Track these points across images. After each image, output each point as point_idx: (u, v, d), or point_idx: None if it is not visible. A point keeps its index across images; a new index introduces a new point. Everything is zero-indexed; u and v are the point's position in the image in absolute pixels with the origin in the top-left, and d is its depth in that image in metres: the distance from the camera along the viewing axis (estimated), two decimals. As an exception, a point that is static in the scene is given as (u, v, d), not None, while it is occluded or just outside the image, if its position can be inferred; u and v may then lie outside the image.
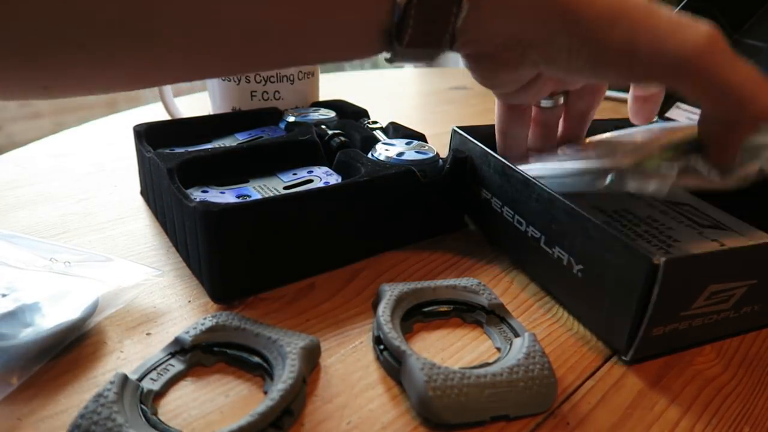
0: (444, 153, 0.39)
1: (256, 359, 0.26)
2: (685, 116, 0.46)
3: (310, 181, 0.38)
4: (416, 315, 0.30)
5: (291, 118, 0.46)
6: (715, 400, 0.26)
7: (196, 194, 0.35)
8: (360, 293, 0.33)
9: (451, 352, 0.28)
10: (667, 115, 0.47)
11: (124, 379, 0.23)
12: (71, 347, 0.27)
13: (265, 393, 0.25)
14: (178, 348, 0.26)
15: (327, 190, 0.33)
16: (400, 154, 0.38)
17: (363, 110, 0.49)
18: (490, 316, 0.30)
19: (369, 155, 0.38)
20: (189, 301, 0.31)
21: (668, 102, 0.48)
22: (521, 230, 0.34)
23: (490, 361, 0.27)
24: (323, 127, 0.44)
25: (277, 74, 0.49)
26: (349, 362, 0.27)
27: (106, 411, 0.21)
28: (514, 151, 0.37)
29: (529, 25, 0.26)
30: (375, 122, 0.46)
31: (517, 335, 0.28)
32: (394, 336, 0.26)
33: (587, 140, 0.38)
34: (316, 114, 0.47)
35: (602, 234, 0.28)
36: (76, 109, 1.11)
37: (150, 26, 0.21)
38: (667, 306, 0.26)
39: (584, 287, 0.29)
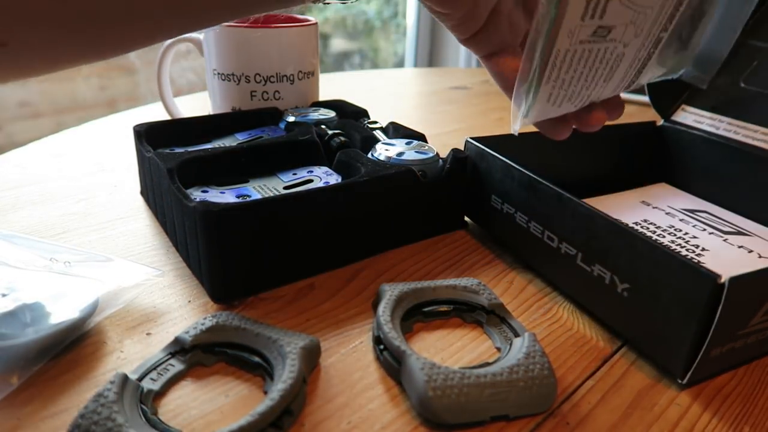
0: (444, 153, 0.39)
1: (256, 359, 0.26)
2: (691, 119, 0.45)
3: (310, 181, 0.38)
4: (416, 315, 0.30)
5: (291, 118, 0.46)
6: (715, 400, 0.26)
7: (196, 194, 0.35)
8: (360, 293, 0.33)
9: (451, 352, 0.28)
10: (673, 118, 0.47)
11: (124, 379, 0.23)
12: (71, 347, 0.27)
13: (265, 393, 0.25)
14: (178, 348, 0.26)
15: (327, 190, 0.33)
16: (400, 154, 0.38)
17: (363, 110, 0.49)
18: (490, 316, 0.30)
19: (369, 155, 0.38)
20: (189, 301, 0.31)
21: (673, 103, 0.48)
22: (552, 246, 0.32)
23: (490, 361, 0.27)
24: (323, 127, 0.44)
25: (277, 74, 0.49)
26: (349, 362, 0.27)
27: (106, 411, 0.21)
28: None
29: None
30: (375, 122, 0.46)
31: (517, 335, 0.28)
32: (394, 336, 0.26)
33: None
34: (316, 114, 0.47)
35: (654, 251, 0.26)
36: (76, 109, 1.11)
37: None
38: (728, 325, 0.25)
39: (632, 307, 0.28)
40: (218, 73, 0.50)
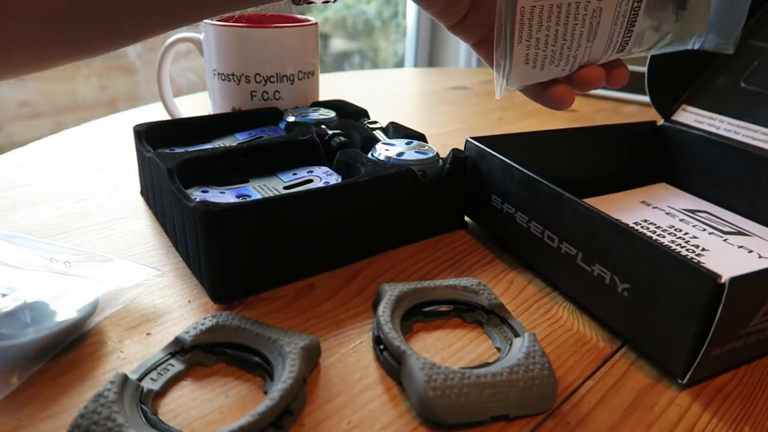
0: (444, 153, 0.39)
1: (256, 359, 0.26)
2: (691, 119, 0.45)
3: (310, 181, 0.38)
4: (416, 315, 0.30)
5: (291, 118, 0.46)
6: (715, 400, 0.26)
7: (196, 194, 0.35)
8: (360, 293, 0.33)
9: (451, 352, 0.28)
10: (673, 117, 0.47)
11: (124, 379, 0.23)
12: (71, 347, 0.27)
13: (265, 393, 0.25)
14: (178, 348, 0.26)
15: (327, 190, 0.33)
16: (400, 154, 0.38)
17: (363, 110, 0.49)
18: (490, 316, 0.30)
19: (369, 155, 0.38)
20: (189, 301, 0.31)
21: (674, 103, 0.48)
22: (552, 246, 0.32)
23: (490, 361, 0.27)
24: (323, 127, 0.44)
25: (277, 74, 0.49)
26: (349, 362, 0.27)
27: (106, 411, 0.21)
28: None
29: None
30: (375, 122, 0.46)
31: (517, 335, 0.28)
32: (394, 336, 0.26)
33: None
34: (316, 114, 0.47)
35: (654, 251, 0.26)
36: (76, 109, 1.11)
37: None
38: (728, 325, 0.25)
39: (631, 307, 0.28)
40: (218, 73, 0.50)
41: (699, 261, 0.30)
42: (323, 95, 0.55)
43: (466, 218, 0.41)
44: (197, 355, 0.26)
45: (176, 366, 0.26)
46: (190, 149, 0.39)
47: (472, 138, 0.39)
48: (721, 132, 0.43)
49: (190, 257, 0.33)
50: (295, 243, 0.32)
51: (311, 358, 0.26)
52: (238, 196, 0.36)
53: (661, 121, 0.48)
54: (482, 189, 0.38)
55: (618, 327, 0.30)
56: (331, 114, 0.47)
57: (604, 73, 0.29)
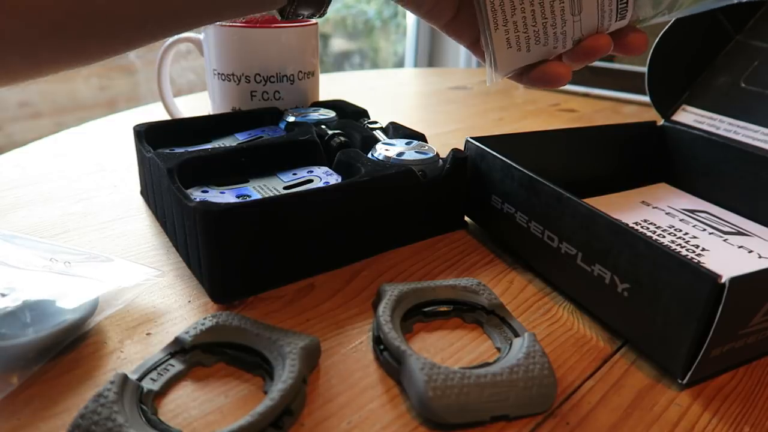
0: (444, 153, 0.39)
1: (256, 359, 0.26)
2: (691, 119, 0.45)
3: (310, 181, 0.38)
4: (416, 315, 0.30)
5: (291, 118, 0.46)
6: (715, 400, 0.26)
7: (196, 194, 0.35)
8: (360, 293, 0.33)
9: (451, 352, 0.28)
10: (673, 118, 0.47)
11: (124, 379, 0.23)
12: (71, 347, 0.27)
13: (265, 393, 0.25)
14: (178, 348, 0.26)
15: (327, 190, 0.33)
16: (400, 154, 0.38)
17: (363, 110, 0.49)
18: (490, 316, 0.30)
19: (369, 155, 0.38)
20: (189, 301, 0.31)
21: (674, 103, 0.48)
22: (552, 246, 0.32)
23: (490, 361, 0.27)
24: (323, 127, 0.44)
25: (277, 74, 0.49)
26: (349, 362, 0.27)
27: (106, 411, 0.21)
28: None
29: None
30: (375, 122, 0.46)
31: (517, 335, 0.28)
32: (394, 336, 0.26)
33: None
34: (316, 114, 0.47)
35: (654, 251, 0.26)
36: (76, 109, 1.11)
37: None
38: (728, 325, 0.25)
39: (631, 307, 0.28)
40: (218, 73, 0.50)
41: (699, 261, 0.30)
42: (323, 95, 0.55)
43: (466, 218, 0.41)
44: (197, 355, 0.26)
45: (176, 366, 0.26)
46: (190, 149, 0.39)
47: (472, 138, 0.39)
48: (721, 132, 0.43)
49: (190, 257, 0.33)
50: (295, 243, 0.32)
51: (311, 358, 0.26)
52: (238, 196, 0.36)
53: (661, 121, 0.48)
54: (482, 189, 0.38)
55: (618, 327, 0.30)
56: (331, 114, 0.47)
57: (611, 40, 0.27)
